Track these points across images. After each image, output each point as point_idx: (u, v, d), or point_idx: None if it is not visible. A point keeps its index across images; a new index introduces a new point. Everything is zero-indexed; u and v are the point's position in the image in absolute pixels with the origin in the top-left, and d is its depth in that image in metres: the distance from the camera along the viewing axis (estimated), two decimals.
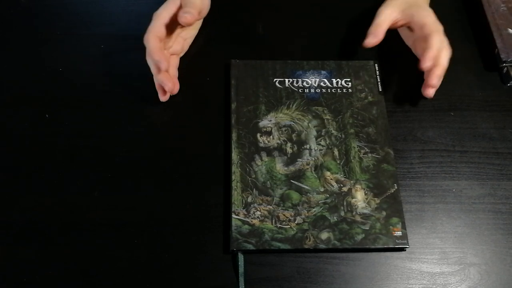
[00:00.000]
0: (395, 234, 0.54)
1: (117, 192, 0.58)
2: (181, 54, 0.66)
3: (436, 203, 0.58)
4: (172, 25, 0.62)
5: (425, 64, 0.60)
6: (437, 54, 0.60)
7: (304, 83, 0.64)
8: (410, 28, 0.65)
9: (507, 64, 0.66)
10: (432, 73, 0.61)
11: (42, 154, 0.60)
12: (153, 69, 0.61)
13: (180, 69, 0.65)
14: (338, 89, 0.64)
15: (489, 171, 0.60)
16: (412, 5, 0.64)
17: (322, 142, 0.60)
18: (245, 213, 0.55)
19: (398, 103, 0.64)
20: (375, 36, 0.62)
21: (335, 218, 0.55)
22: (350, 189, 0.57)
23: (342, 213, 0.55)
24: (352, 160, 0.59)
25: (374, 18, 0.64)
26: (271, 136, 0.60)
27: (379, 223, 0.55)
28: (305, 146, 0.59)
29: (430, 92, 0.62)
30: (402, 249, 0.55)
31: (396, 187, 0.57)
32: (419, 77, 0.64)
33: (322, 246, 0.53)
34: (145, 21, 0.71)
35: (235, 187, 0.56)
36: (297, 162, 0.58)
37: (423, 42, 0.61)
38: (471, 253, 0.55)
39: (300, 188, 0.57)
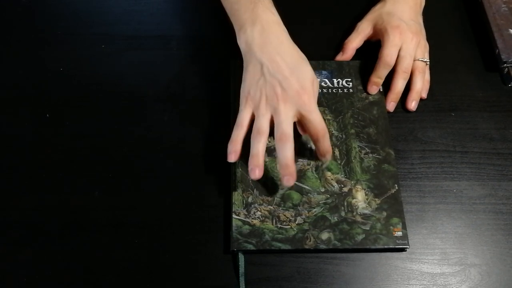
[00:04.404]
0: (395, 235, 0.54)
1: (117, 192, 0.58)
2: None
3: (437, 204, 0.58)
4: None
5: (368, 89, 0.63)
6: (382, 78, 0.63)
7: None
8: None
9: (507, 65, 0.66)
10: (386, 97, 0.63)
11: (42, 154, 0.60)
12: (288, 157, 0.52)
13: (181, 70, 0.65)
14: (339, 89, 0.64)
15: (490, 171, 0.60)
16: (384, 20, 0.64)
17: None
18: (246, 213, 0.55)
19: (399, 103, 0.64)
20: (344, 53, 0.67)
21: (335, 218, 0.55)
22: (350, 190, 0.57)
23: (343, 214, 0.55)
24: (353, 161, 0.59)
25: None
26: (271, 136, 0.60)
27: (379, 224, 0.55)
28: (306, 146, 0.59)
29: (391, 109, 0.64)
30: (403, 250, 0.55)
31: (396, 188, 0.57)
32: None
33: (323, 246, 0.53)
34: (145, 21, 0.71)
35: (236, 187, 0.56)
36: (297, 162, 0.58)
37: None
38: (472, 254, 0.55)
39: (301, 188, 0.57)
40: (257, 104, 0.54)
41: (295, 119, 0.55)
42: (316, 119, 0.54)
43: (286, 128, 0.53)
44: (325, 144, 0.55)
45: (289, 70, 0.54)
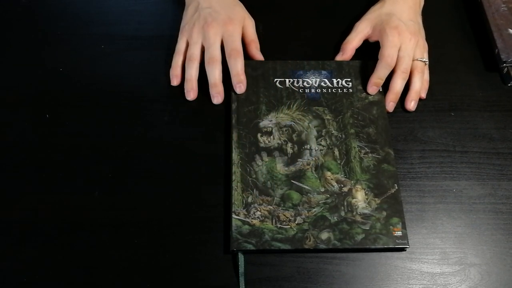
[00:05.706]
0: (395, 234, 0.54)
1: (117, 192, 0.58)
2: None
3: (437, 203, 0.58)
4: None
5: (368, 89, 0.63)
6: (382, 79, 0.63)
7: (305, 83, 0.64)
8: None
9: (507, 65, 0.66)
10: (385, 97, 0.63)
11: (42, 154, 0.60)
12: (216, 77, 0.62)
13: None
14: (339, 89, 0.64)
15: (490, 171, 0.60)
16: (383, 20, 0.64)
17: (323, 142, 0.60)
18: (245, 213, 0.55)
19: (398, 103, 0.64)
20: (343, 53, 0.67)
21: (335, 218, 0.55)
22: (350, 189, 0.57)
23: (343, 213, 0.55)
24: (353, 160, 0.59)
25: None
26: (271, 136, 0.60)
27: (379, 223, 0.55)
28: (305, 146, 0.59)
29: (390, 109, 0.64)
30: (402, 249, 0.55)
31: (396, 187, 0.57)
32: None
33: (322, 246, 0.53)
34: (145, 21, 0.71)
35: (236, 187, 0.56)
36: (297, 162, 0.58)
37: None
38: (472, 253, 0.55)
39: (301, 188, 0.57)
40: (190, 33, 0.63)
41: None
42: (230, 40, 0.62)
43: (213, 52, 0.61)
44: (237, 66, 0.61)
45: (220, 6, 0.64)
